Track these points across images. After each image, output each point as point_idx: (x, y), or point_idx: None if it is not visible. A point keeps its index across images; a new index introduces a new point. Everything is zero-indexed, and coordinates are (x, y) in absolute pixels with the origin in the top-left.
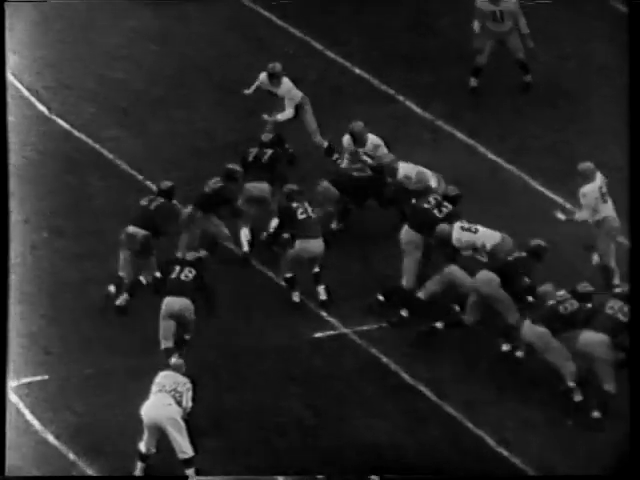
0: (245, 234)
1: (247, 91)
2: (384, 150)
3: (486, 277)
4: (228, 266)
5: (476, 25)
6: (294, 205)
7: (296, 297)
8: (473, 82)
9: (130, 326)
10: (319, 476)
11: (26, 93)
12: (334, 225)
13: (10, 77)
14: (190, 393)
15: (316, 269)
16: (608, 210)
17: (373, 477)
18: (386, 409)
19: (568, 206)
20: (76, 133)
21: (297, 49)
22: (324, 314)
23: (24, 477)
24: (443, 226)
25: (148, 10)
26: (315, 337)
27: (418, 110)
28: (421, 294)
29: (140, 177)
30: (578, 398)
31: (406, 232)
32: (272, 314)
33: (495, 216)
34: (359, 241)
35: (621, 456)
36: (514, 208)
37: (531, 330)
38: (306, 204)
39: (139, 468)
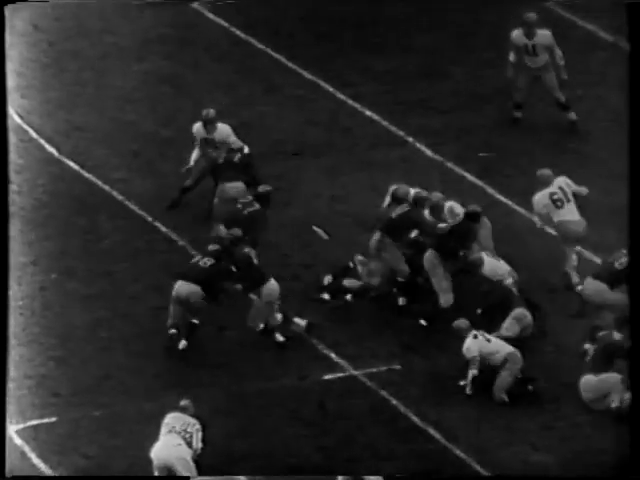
0: (220, 230)
1: (185, 168)
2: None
3: None
4: (236, 308)
5: (512, 56)
6: (246, 250)
7: (280, 337)
8: (517, 114)
9: (140, 368)
10: None
11: (35, 135)
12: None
13: (18, 120)
14: (200, 434)
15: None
16: (565, 214)
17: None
18: (396, 451)
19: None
20: (86, 175)
21: (308, 91)
22: (333, 356)
23: (24, 477)
24: (479, 255)
25: (160, 54)
26: (325, 379)
27: (428, 152)
28: (503, 333)
29: (150, 218)
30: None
31: (428, 254)
32: (281, 356)
33: (505, 257)
34: None
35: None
36: (523, 249)
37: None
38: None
39: None
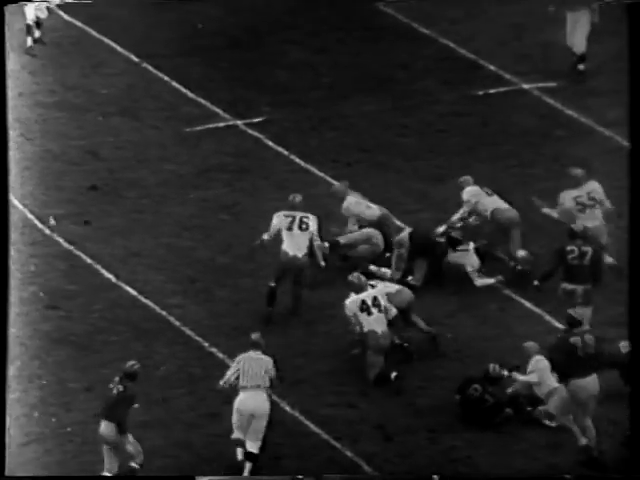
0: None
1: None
2: None
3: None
4: None
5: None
6: None
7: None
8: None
9: None
10: None
11: (90, 261)
12: None
13: (69, 246)
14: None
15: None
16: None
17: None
18: None
19: None
20: (143, 300)
21: None
22: None
23: (24, 477)
24: None
25: (219, 182)
26: None
27: None
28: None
29: (205, 344)
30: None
31: None
32: None
33: None
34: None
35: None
36: None
37: None
38: None
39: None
